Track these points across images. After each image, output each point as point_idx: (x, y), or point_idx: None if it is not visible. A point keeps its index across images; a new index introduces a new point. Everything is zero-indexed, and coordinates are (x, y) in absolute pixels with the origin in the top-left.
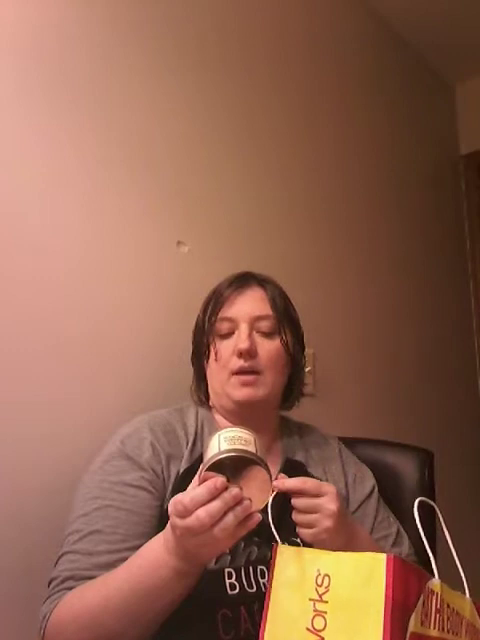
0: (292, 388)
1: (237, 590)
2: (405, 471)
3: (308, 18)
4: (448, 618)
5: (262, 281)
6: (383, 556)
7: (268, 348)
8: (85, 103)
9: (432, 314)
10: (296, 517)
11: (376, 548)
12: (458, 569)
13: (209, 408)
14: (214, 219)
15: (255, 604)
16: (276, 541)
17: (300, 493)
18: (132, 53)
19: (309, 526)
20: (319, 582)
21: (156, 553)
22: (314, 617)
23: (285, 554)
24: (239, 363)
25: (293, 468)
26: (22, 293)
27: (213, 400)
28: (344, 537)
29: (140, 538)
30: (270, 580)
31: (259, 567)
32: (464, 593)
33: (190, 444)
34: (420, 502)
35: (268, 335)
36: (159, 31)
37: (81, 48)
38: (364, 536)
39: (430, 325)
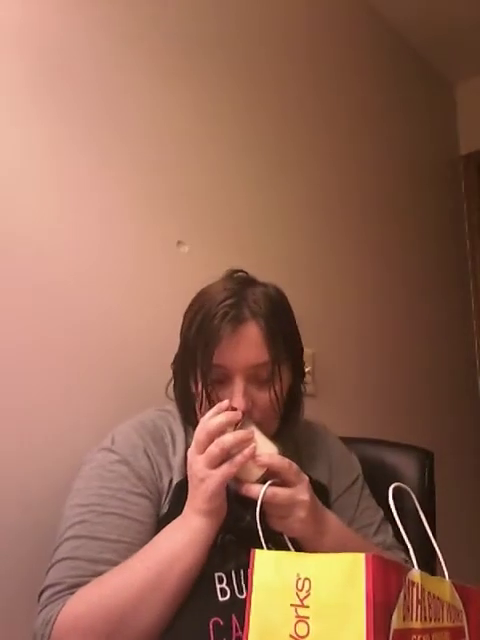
0: (289, 418)
1: (228, 596)
2: (405, 471)
3: (308, 18)
4: (429, 606)
5: (256, 312)
6: (362, 556)
7: (264, 400)
8: (86, 104)
9: (432, 314)
10: (269, 508)
11: (350, 536)
12: (438, 555)
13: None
14: (214, 219)
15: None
16: (261, 545)
17: (279, 473)
18: (134, 54)
19: (282, 517)
20: (299, 586)
21: (182, 524)
22: (297, 623)
23: (263, 559)
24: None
25: None
26: (22, 293)
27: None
28: (314, 527)
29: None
30: (250, 587)
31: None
32: (443, 576)
33: (179, 454)
34: (395, 488)
35: (265, 382)
36: (162, 32)
37: (84, 49)
38: (336, 525)
39: (430, 325)
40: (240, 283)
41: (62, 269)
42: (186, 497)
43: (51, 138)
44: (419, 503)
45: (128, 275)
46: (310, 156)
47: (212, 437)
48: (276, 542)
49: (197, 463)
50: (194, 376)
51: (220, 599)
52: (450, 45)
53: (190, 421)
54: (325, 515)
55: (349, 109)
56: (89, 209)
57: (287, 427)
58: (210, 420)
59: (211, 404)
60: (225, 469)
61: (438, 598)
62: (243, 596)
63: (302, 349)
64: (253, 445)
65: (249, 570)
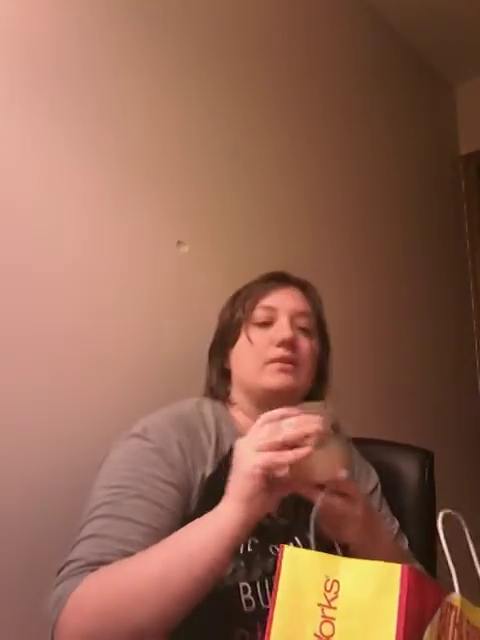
0: (316, 390)
1: (253, 606)
2: (405, 471)
3: (308, 18)
4: (467, 633)
5: (301, 282)
6: (398, 567)
7: (305, 345)
8: (84, 104)
9: (432, 314)
10: (323, 515)
11: (396, 549)
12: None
13: (225, 404)
14: (214, 219)
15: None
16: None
17: (342, 492)
18: (131, 54)
19: (335, 526)
20: (328, 587)
21: (218, 517)
22: (322, 623)
23: (291, 555)
24: (278, 352)
25: None
26: (21, 293)
27: (235, 394)
28: (365, 538)
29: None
30: (276, 581)
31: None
32: None
33: (213, 446)
34: (445, 514)
35: (305, 332)
36: (158, 31)
37: (78, 48)
38: (387, 538)
39: (430, 325)
40: (283, 272)
41: (60, 269)
42: (218, 492)
43: (47, 138)
44: (419, 503)
45: (128, 275)
46: (310, 156)
47: (275, 427)
48: (304, 544)
49: (250, 448)
50: (237, 327)
51: (245, 609)
52: (450, 45)
53: (227, 400)
54: (378, 528)
55: (349, 109)
56: (88, 209)
57: (316, 394)
58: (281, 413)
59: (262, 340)
60: (280, 457)
61: (477, 628)
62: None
63: (328, 335)
64: (308, 449)
65: (277, 564)
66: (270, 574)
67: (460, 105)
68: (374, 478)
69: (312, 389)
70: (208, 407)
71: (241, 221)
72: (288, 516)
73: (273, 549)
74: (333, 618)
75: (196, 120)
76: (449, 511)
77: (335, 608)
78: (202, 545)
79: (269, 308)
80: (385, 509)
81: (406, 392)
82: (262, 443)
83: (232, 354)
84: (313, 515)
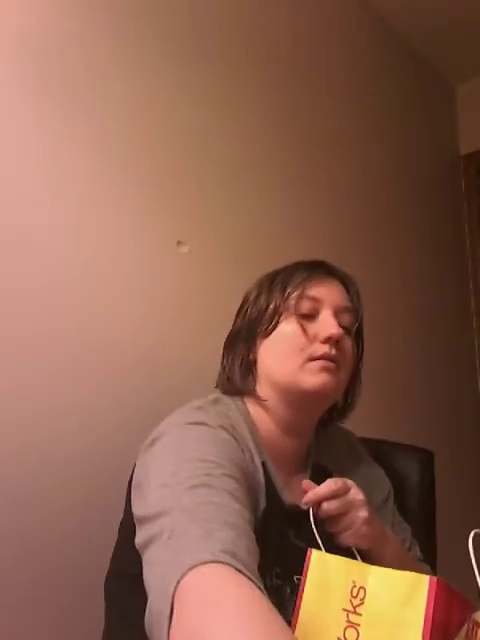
0: (346, 399)
1: None
2: (405, 471)
3: (308, 19)
4: None
5: (346, 277)
6: (427, 577)
7: (348, 345)
8: (85, 102)
9: (432, 313)
10: (332, 526)
11: (404, 550)
12: None
13: (243, 401)
14: (214, 219)
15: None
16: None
17: (331, 496)
18: (133, 53)
19: (347, 527)
20: (354, 594)
21: None
22: (346, 628)
23: (320, 561)
24: (324, 349)
25: (320, 478)
26: (20, 293)
27: (262, 389)
28: (378, 529)
29: None
30: (302, 585)
31: None
32: None
33: (259, 473)
34: (476, 534)
35: (347, 331)
36: (162, 27)
37: (81, 45)
38: (393, 537)
39: (429, 324)
40: (324, 261)
41: (61, 270)
42: (271, 533)
43: (49, 138)
44: (419, 503)
45: (127, 275)
46: (310, 156)
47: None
48: None
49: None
50: (273, 315)
51: None
52: (450, 45)
53: (252, 395)
54: (382, 524)
55: (349, 109)
56: (87, 209)
57: (345, 404)
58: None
59: (304, 334)
60: None
61: None
62: None
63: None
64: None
65: (304, 567)
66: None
67: (460, 105)
68: (386, 487)
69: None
70: (234, 410)
71: (242, 221)
72: (303, 538)
73: (297, 579)
74: (358, 624)
75: (198, 119)
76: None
77: (360, 614)
78: None
79: (314, 299)
80: (398, 517)
81: (406, 392)
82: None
83: (262, 345)
84: (311, 519)
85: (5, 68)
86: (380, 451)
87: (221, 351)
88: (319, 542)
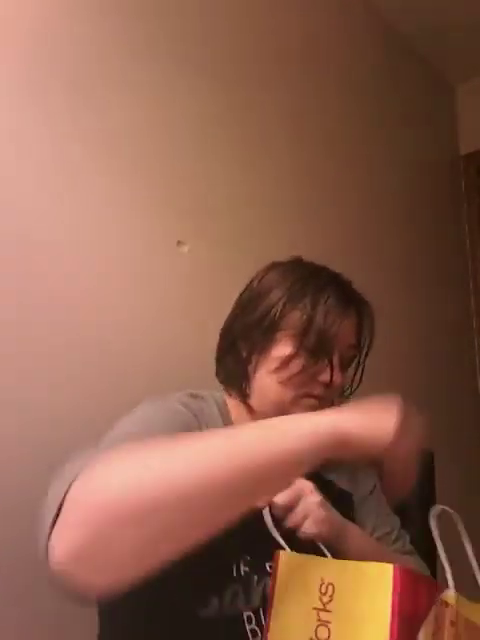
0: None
1: (259, 637)
2: None
3: (308, 19)
4: (464, 630)
5: (362, 308)
6: (390, 566)
7: (341, 380)
8: (88, 102)
9: (431, 314)
10: (291, 519)
11: (369, 540)
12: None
13: (225, 399)
14: (215, 219)
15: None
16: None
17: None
18: (136, 51)
19: (305, 515)
20: (323, 591)
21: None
22: (318, 627)
23: (287, 561)
24: (320, 391)
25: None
26: (19, 293)
27: (255, 400)
28: (337, 518)
29: None
30: (272, 588)
31: None
32: None
33: None
34: (436, 511)
35: (345, 366)
36: (164, 27)
37: (86, 45)
38: (354, 526)
39: (429, 324)
40: (347, 283)
41: (60, 269)
42: None
43: (49, 137)
44: (419, 503)
45: (127, 275)
46: (311, 157)
47: None
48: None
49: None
50: (287, 338)
51: None
52: (450, 45)
53: (244, 394)
54: (340, 517)
55: (349, 109)
56: (88, 208)
57: None
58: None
59: (308, 372)
60: None
61: (475, 624)
62: None
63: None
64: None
65: (272, 570)
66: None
67: (460, 105)
68: (371, 481)
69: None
70: (210, 401)
71: (242, 221)
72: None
73: (269, 567)
74: (328, 622)
75: (200, 121)
76: (442, 507)
77: (330, 611)
78: (259, 441)
79: (329, 341)
80: (385, 509)
81: (406, 392)
82: None
83: (264, 361)
84: (267, 520)
85: (14, 69)
86: None
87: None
88: (280, 541)
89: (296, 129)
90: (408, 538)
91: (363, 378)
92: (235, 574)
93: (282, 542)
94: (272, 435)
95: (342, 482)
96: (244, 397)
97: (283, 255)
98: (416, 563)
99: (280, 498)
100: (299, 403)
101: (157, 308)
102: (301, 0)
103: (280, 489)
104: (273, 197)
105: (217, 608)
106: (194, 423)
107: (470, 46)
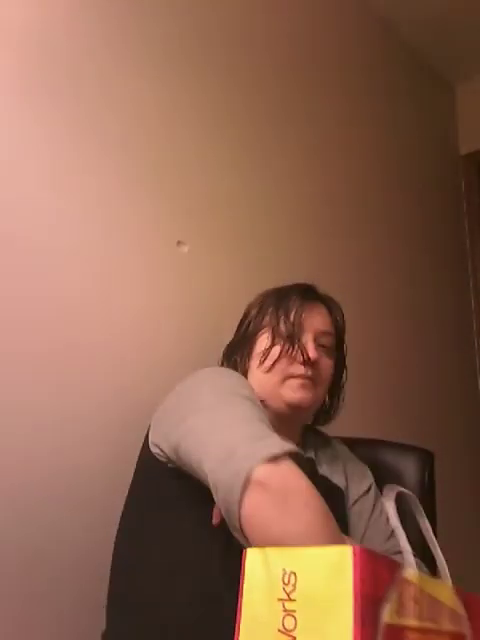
0: (330, 406)
1: None
2: (405, 471)
3: (308, 19)
4: (427, 607)
5: (328, 300)
6: (349, 548)
7: (325, 364)
8: (85, 103)
9: (432, 313)
10: None
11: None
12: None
13: None
14: (215, 219)
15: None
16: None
17: None
18: (135, 52)
19: None
20: (286, 581)
21: None
22: (284, 617)
23: (252, 556)
24: (301, 369)
25: (303, 462)
26: (19, 293)
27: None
28: None
29: None
30: (241, 586)
31: None
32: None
33: None
34: (398, 493)
35: (326, 351)
36: (163, 29)
37: (84, 46)
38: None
39: (430, 324)
40: (311, 286)
41: (60, 270)
42: None
43: (48, 138)
44: (419, 503)
45: (127, 275)
46: (310, 157)
47: None
48: None
49: None
50: (264, 335)
51: None
52: (450, 45)
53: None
54: None
55: (349, 109)
56: (87, 209)
57: (326, 415)
58: None
59: (287, 355)
60: None
61: (438, 600)
62: None
63: (345, 355)
64: None
65: (241, 569)
66: None
67: (460, 105)
68: (367, 481)
69: (323, 404)
70: None
71: (242, 221)
72: None
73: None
74: (294, 611)
75: (199, 120)
76: (399, 488)
77: (294, 600)
78: None
79: (298, 325)
80: (380, 509)
81: (406, 392)
82: None
83: (253, 359)
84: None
85: (10, 70)
86: (380, 451)
87: (221, 351)
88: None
89: (295, 130)
90: (405, 537)
91: (363, 378)
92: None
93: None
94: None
95: (339, 480)
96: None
97: (283, 255)
98: (409, 561)
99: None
100: (286, 384)
101: (157, 308)
102: (299, 0)
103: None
104: (273, 197)
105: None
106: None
107: (470, 46)
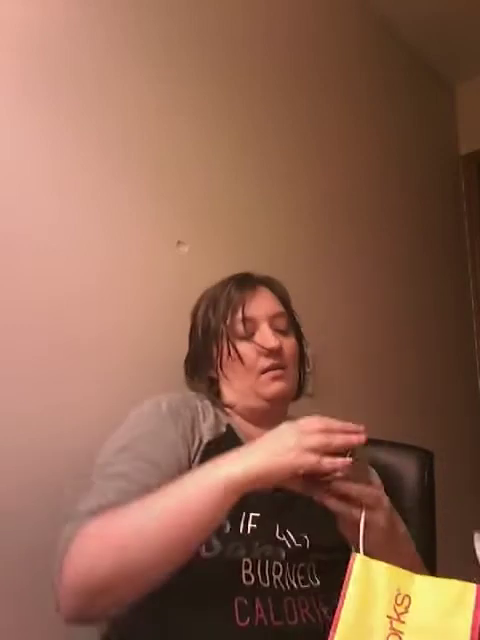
0: (302, 383)
1: (252, 581)
2: (405, 471)
3: (309, 19)
4: None
5: (266, 281)
6: (473, 586)
7: (288, 344)
8: (86, 104)
9: (432, 314)
10: (348, 525)
11: (409, 539)
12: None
13: (223, 410)
14: (215, 219)
15: (268, 598)
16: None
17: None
18: (135, 52)
19: (370, 508)
20: (398, 601)
21: (220, 472)
22: (390, 635)
23: (365, 564)
24: (268, 362)
25: None
26: (20, 294)
27: (234, 402)
28: (390, 545)
29: None
30: (345, 586)
31: (274, 562)
32: None
33: (209, 420)
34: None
35: (284, 332)
36: (164, 29)
37: (84, 46)
38: (406, 544)
39: (430, 325)
40: (246, 274)
41: (61, 270)
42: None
43: (49, 138)
44: (419, 503)
45: (128, 275)
46: (310, 157)
47: (326, 429)
48: (297, 539)
49: (296, 435)
50: (221, 340)
51: (245, 582)
52: (450, 45)
53: (217, 403)
54: (399, 541)
55: (349, 109)
56: (88, 209)
57: (301, 388)
58: (333, 422)
59: (250, 353)
60: (317, 461)
61: None
62: (267, 584)
63: (299, 324)
64: (350, 460)
65: (347, 570)
66: (268, 557)
67: (460, 105)
68: (377, 482)
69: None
70: (208, 403)
71: (242, 222)
72: (283, 494)
73: (272, 532)
74: (401, 632)
75: (199, 120)
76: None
77: (404, 622)
78: (195, 496)
79: (250, 319)
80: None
81: (406, 392)
82: (316, 436)
83: (219, 364)
84: (361, 531)
85: (10, 70)
86: (380, 451)
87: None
88: (361, 548)
89: (294, 130)
90: (414, 544)
91: (363, 378)
92: (241, 530)
93: (362, 548)
94: (186, 506)
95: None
96: (223, 407)
97: (282, 255)
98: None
99: (353, 490)
100: (259, 381)
101: (157, 308)
102: (299, 1)
103: (212, 527)
104: (272, 197)
105: (220, 551)
106: (183, 420)
107: (470, 46)
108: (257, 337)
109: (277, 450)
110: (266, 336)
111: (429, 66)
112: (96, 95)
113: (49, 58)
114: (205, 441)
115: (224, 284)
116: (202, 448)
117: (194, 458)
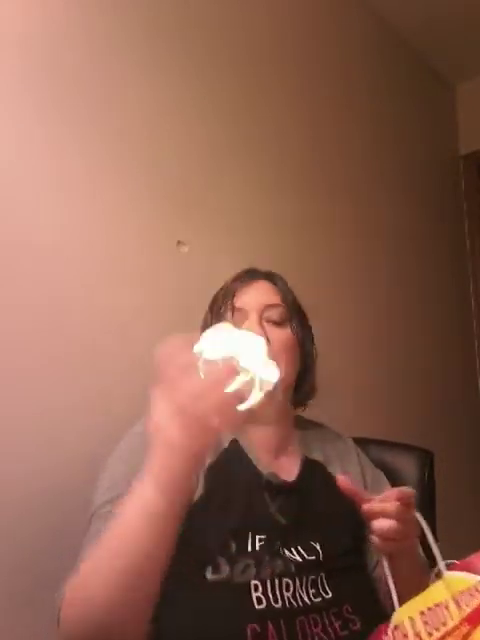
0: (304, 382)
1: (264, 604)
2: (405, 471)
3: (309, 18)
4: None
5: (269, 274)
6: None
7: (279, 336)
8: (86, 103)
9: (432, 314)
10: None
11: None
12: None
13: None
14: (215, 219)
15: (280, 620)
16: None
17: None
18: (134, 52)
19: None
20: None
21: (139, 492)
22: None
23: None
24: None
25: (312, 468)
26: (20, 294)
27: None
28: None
29: None
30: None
31: (284, 579)
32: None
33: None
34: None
35: (278, 324)
36: (164, 30)
37: (85, 46)
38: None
39: (430, 325)
40: (252, 268)
41: (61, 270)
42: (220, 480)
43: (50, 138)
44: (419, 503)
45: (128, 274)
46: (312, 155)
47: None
48: (304, 547)
49: (167, 409)
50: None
51: (257, 606)
52: (450, 45)
53: None
54: (414, 543)
55: (350, 109)
56: (89, 210)
57: (303, 389)
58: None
59: None
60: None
61: (436, 606)
62: (279, 605)
63: (311, 328)
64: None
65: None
66: (278, 574)
67: (460, 105)
68: (385, 483)
69: (299, 373)
70: None
71: (242, 222)
72: (287, 515)
73: (280, 549)
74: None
75: (199, 121)
76: None
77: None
78: (131, 525)
79: (239, 310)
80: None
81: (406, 392)
82: (182, 397)
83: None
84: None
85: (12, 72)
86: (380, 451)
87: None
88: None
89: (296, 130)
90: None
91: (364, 378)
92: (250, 549)
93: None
94: (125, 532)
95: (351, 468)
96: None
97: (282, 255)
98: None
99: (391, 509)
100: None
101: (157, 308)
102: (300, 1)
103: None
104: (273, 197)
105: (228, 574)
106: None
107: (470, 46)
108: (244, 327)
109: (168, 439)
110: (251, 326)
111: (430, 66)
112: (97, 95)
113: (50, 58)
114: (206, 466)
115: (229, 278)
116: (203, 473)
117: (196, 486)
